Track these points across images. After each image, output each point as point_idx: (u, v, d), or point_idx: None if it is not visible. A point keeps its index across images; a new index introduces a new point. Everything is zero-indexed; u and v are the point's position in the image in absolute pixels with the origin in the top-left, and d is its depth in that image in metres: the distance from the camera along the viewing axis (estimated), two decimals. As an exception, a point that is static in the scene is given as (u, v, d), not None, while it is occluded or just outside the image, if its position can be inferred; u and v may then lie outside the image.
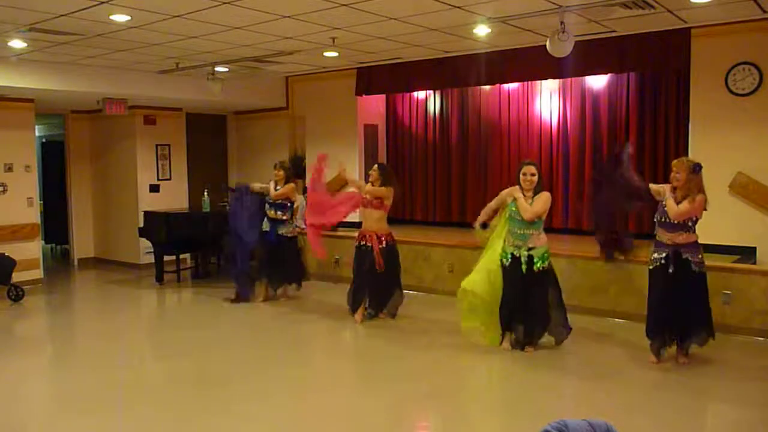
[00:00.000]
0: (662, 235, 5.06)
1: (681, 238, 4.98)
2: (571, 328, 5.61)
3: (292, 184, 7.47)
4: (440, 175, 9.74)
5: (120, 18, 5.68)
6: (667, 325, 5.08)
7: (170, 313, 8.29)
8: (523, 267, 5.40)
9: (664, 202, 5.04)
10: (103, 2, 5.18)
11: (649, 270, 5.17)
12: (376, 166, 6.75)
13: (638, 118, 7.96)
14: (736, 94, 6.54)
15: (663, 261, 5.04)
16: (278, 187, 7.44)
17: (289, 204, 7.49)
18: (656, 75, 7.79)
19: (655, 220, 5.14)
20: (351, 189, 7.44)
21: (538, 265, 5.39)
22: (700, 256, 5.03)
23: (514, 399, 4.79)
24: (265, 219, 7.52)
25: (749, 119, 6.49)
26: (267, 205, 7.49)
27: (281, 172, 7.46)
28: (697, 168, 4.95)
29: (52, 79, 7.89)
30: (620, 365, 5.32)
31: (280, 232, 7.46)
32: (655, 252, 5.12)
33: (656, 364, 5.13)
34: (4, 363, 5.71)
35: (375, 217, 6.62)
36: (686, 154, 7.06)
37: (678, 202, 4.96)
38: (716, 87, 6.62)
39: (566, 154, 8.57)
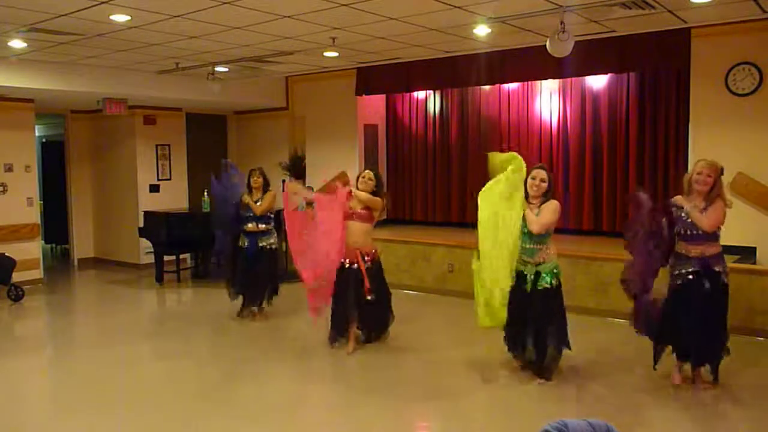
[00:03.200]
0: (689, 249, 4.55)
1: (711, 248, 4.54)
2: (566, 346, 4.94)
3: (273, 193, 6.87)
4: (440, 175, 9.74)
5: (120, 18, 5.68)
6: (690, 347, 4.63)
7: (170, 313, 8.28)
8: (528, 285, 4.80)
9: (684, 214, 4.54)
10: (103, 2, 5.18)
11: (671, 286, 4.66)
12: (369, 171, 5.77)
13: (638, 118, 7.96)
14: (736, 94, 6.54)
15: (692, 275, 4.54)
16: (257, 199, 6.78)
17: (270, 214, 6.90)
18: (656, 75, 7.79)
19: (676, 233, 4.61)
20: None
21: (546, 281, 4.79)
22: (727, 267, 4.63)
23: (513, 402, 4.73)
24: (242, 235, 6.83)
25: (749, 119, 6.49)
26: (246, 219, 6.78)
27: (260, 179, 6.83)
28: (722, 170, 4.60)
29: (52, 79, 7.89)
30: (620, 367, 5.32)
31: (262, 244, 6.79)
32: (680, 267, 4.59)
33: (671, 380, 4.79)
34: (4, 363, 5.71)
35: (362, 230, 5.65)
36: (686, 154, 7.07)
37: (703, 209, 4.49)
38: (716, 87, 6.62)
39: (566, 154, 8.57)
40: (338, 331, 5.73)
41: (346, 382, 5.30)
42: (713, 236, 4.53)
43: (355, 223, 5.60)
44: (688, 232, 4.53)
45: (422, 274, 8.25)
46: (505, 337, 5.06)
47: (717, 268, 4.53)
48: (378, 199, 5.69)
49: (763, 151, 6.45)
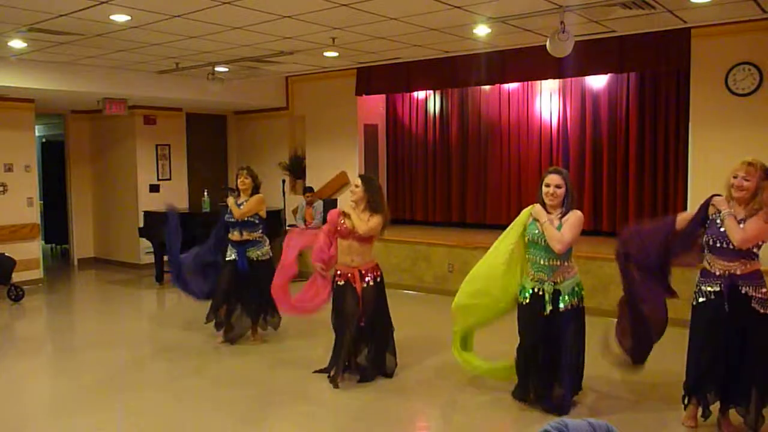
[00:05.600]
0: (714, 264, 3.85)
1: (741, 267, 3.77)
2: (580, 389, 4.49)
3: (259, 196, 5.96)
4: (440, 175, 9.74)
5: (120, 18, 5.68)
6: (713, 381, 3.89)
7: (170, 313, 8.28)
8: (547, 306, 4.20)
9: (719, 221, 3.81)
10: (103, 2, 5.18)
11: (693, 306, 3.99)
12: (359, 179, 4.92)
13: (638, 118, 7.96)
14: (736, 94, 6.54)
15: (714, 296, 3.83)
16: (241, 202, 5.93)
17: (257, 221, 5.94)
18: (656, 75, 7.79)
19: (704, 243, 3.91)
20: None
21: (566, 301, 4.20)
22: (764, 290, 3.79)
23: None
24: (229, 247, 6.00)
25: (749, 119, 6.49)
26: (230, 228, 5.95)
27: (248, 180, 5.96)
28: None
29: (52, 79, 7.90)
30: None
31: (252, 256, 5.92)
32: (702, 283, 3.91)
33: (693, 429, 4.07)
34: (4, 363, 5.71)
35: (357, 250, 4.85)
36: (686, 154, 7.07)
37: (741, 220, 3.73)
38: (716, 87, 6.62)
39: (566, 154, 8.56)
40: (336, 359, 4.92)
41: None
42: (747, 253, 3.76)
43: (350, 242, 4.84)
44: (717, 243, 3.79)
45: (422, 274, 8.25)
46: (517, 368, 4.41)
47: (745, 290, 3.76)
48: (373, 225, 4.80)
49: (763, 151, 6.43)
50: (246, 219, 5.89)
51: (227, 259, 6.00)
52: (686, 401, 4.07)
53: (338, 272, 4.92)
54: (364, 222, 4.78)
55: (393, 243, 8.45)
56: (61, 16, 5.58)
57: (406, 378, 5.12)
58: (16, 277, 8.09)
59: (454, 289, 7.71)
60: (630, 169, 8.03)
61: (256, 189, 6.02)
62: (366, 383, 4.95)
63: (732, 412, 3.97)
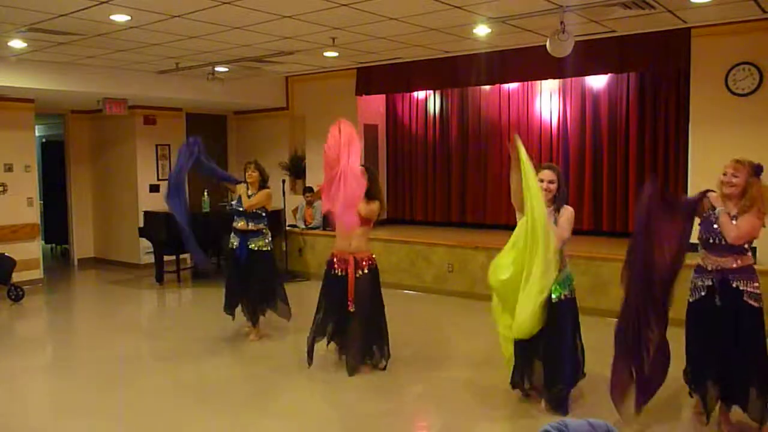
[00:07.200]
0: (707, 259, 3.90)
1: (733, 263, 3.82)
2: (584, 375, 4.51)
3: (268, 191, 6.14)
4: (440, 175, 9.75)
5: (120, 18, 5.68)
6: (710, 377, 3.91)
7: (170, 313, 8.28)
8: None
9: (713, 218, 3.86)
10: (103, 2, 5.18)
11: (689, 303, 4.00)
12: (360, 167, 5.13)
13: (638, 118, 7.96)
14: (736, 94, 6.54)
15: (705, 291, 3.88)
16: (251, 194, 6.09)
17: (263, 213, 6.14)
18: (656, 75, 7.79)
19: (698, 240, 3.96)
20: None
21: (558, 293, 4.25)
22: (756, 284, 3.81)
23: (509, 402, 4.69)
24: (232, 234, 6.18)
25: (749, 119, 6.49)
26: (236, 216, 6.14)
27: (255, 173, 6.11)
28: (759, 169, 3.82)
29: (52, 79, 7.90)
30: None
31: (252, 246, 6.05)
32: (697, 279, 3.96)
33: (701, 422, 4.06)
34: (4, 363, 5.71)
35: (355, 233, 5.01)
36: (686, 154, 7.07)
37: (733, 217, 3.80)
38: (716, 87, 6.62)
39: (566, 154, 8.57)
40: (317, 336, 5.13)
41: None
42: (739, 249, 3.81)
43: None
44: (711, 240, 3.85)
45: (422, 274, 8.25)
46: (515, 361, 4.45)
47: (737, 284, 3.79)
48: (373, 207, 5.03)
49: (763, 151, 6.43)
50: (253, 210, 6.06)
51: (230, 246, 6.20)
52: (692, 395, 4.10)
53: (335, 259, 5.07)
54: (364, 203, 4.97)
55: (393, 243, 8.45)
56: (61, 16, 5.58)
57: (405, 376, 5.13)
58: (16, 277, 8.09)
59: (454, 289, 7.85)
60: (630, 169, 8.03)
61: (264, 182, 6.17)
62: (363, 379, 4.99)
63: (733, 410, 3.97)
